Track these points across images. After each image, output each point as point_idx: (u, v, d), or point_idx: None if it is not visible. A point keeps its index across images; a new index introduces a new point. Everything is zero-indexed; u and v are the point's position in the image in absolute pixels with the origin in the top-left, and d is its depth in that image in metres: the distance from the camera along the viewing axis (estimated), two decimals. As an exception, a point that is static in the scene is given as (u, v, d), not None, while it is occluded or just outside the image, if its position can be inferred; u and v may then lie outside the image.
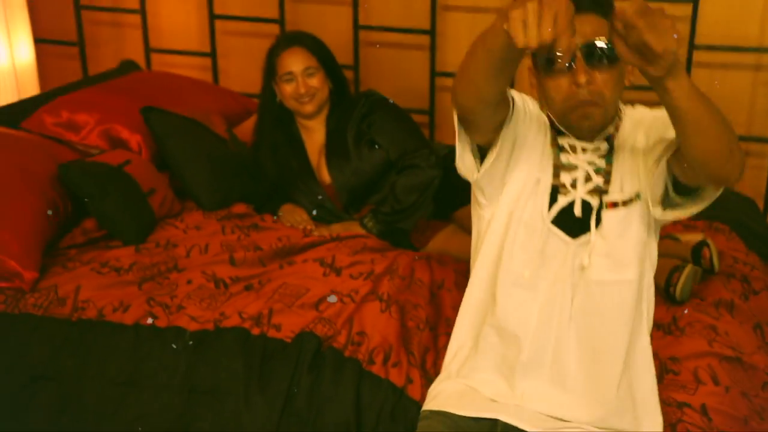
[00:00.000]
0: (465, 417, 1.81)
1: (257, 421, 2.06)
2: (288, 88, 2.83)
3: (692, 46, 3.39)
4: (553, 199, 1.79)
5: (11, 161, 2.57)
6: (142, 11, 3.91)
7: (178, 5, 4.00)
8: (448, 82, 3.55)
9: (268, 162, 2.92)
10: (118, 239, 2.64)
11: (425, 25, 3.63)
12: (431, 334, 2.24)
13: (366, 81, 3.77)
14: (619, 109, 1.83)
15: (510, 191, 1.82)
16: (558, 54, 1.38)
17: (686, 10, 3.36)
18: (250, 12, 3.85)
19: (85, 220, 2.70)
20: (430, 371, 2.10)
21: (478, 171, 1.78)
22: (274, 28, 3.76)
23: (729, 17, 3.41)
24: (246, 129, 3.22)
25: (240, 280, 2.43)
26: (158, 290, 2.37)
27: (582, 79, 1.66)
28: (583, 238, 1.78)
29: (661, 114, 1.70)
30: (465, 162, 1.79)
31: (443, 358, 2.01)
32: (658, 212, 1.72)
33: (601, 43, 1.65)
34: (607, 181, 1.78)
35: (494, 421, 1.80)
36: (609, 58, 1.66)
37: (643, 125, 1.79)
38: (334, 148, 2.84)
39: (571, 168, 1.79)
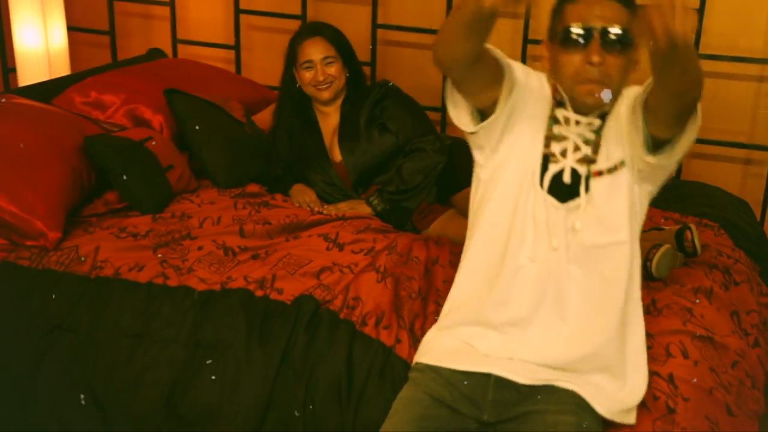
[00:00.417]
0: (457, 372, 1.94)
1: (256, 374, 2.20)
2: (307, 75, 3.01)
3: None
4: (544, 168, 1.95)
5: (41, 131, 2.75)
6: (172, 3, 4.10)
7: (207, -1, 4.19)
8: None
9: (284, 143, 3.10)
10: (136, 210, 2.81)
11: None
12: (422, 303, 2.38)
13: (383, 78, 3.92)
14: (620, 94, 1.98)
15: (505, 157, 1.98)
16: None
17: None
18: (275, 8, 4.03)
19: (107, 192, 2.88)
20: (417, 333, 2.25)
21: (475, 126, 1.94)
22: (297, 24, 3.91)
23: (735, 30, 3.54)
24: (263, 117, 3.39)
25: (248, 250, 2.59)
26: (171, 254, 2.53)
27: (596, 59, 1.84)
28: (571, 204, 1.93)
29: (639, 87, 1.87)
30: (461, 119, 1.96)
31: (432, 323, 2.15)
32: (650, 159, 1.87)
33: (616, 30, 1.84)
34: (596, 151, 1.94)
35: (487, 375, 1.93)
36: (623, 44, 1.86)
37: (629, 96, 1.94)
38: (346, 130, 3.01)
39: (561, 138, 1.95)
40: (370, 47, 3.88)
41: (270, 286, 2.38)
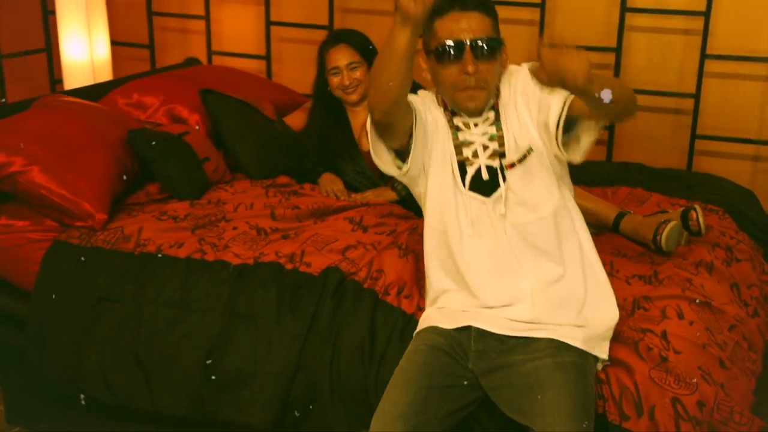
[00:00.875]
0: (448, 329, 2.16)
1: (286, 339, 2.40)
2: (335, 80, 3.23)
3: (704, 56, 3.69)
4: (462, 171, 2.17)
5: (88, 125, 2.99)
6: (207, 17, 4.36)
7: (239, 12, 4.44)
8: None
9: (315, 139, 3.32)
10: (175, 197, 3.03)
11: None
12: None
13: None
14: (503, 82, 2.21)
15: (432, 173, 2.20)
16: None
17: (699, 23, 3.68)
18: (303, 20, 4.27)
19: (149, 184, 3.10)
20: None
21: (400, 168, 2.18)
22: (324, 35, 4.15)
23: (741, 31, 3.70)
24: (293, 119, 3.60)
25: (279, 231, 2.79)
26: (208, 234, 2.75)
27: (470, 68, 2.07)
28: (495, 195, 2.16)
29: (528, 72, 2.11)
30: (389, 168, 2.21)
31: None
32: (560, 154, 2.10)
33: (484, 39, 2.08)
34: (502, 144, 2.16)
35: (468, 328, 2.14)
36: (492, 50, 2.10)
37: (518, 85, 2.16)
38: None
39: (468, 143, 2.18)
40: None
41: (299, 260, 2.57)
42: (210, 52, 4.43)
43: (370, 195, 3.12)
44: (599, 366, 2.12)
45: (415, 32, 1.89)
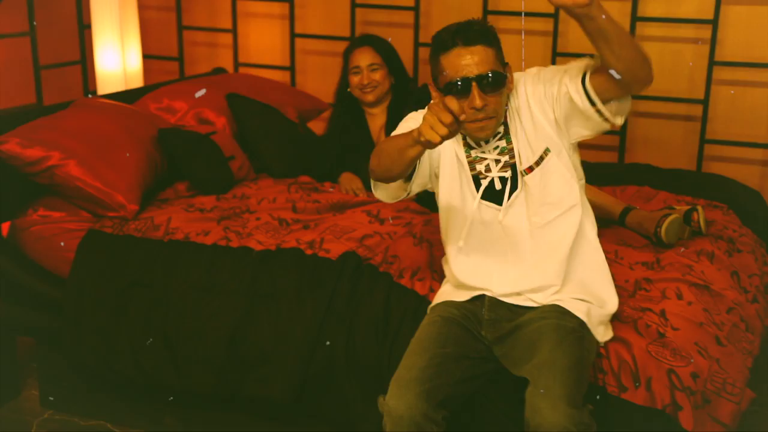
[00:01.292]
0: (462, 301, 2.30)
1: (306, 318, 2.54)
2: (354, 79, 3.39)
3: (712, 63, 3.81)
4: (477, 184, 2.26)
5: (121, 123, 3.17)
6: (234, 31, 4.55)
7: (265, 25, 4.62)
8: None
9: (335, 139, 3.47)
10: (202, 192, 3.20)
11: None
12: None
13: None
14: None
15: (442, 183, 2.31)
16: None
17: (707, 31, 3.81)
18: (326, 32, 4.44)
19: (177, 183, 3.27)
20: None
21: (405, 190, 2.30)
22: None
23: (748, 40, 3.82)
24: (315, 125, 3.78)
25: (300, 222, 2.95)
26: (233, 224, 2.91)
27: (479, 104, 2.11)
28: (507, 203, 2.25)
29: (532, 77, 2.20)
30: (396, 194, 2.33)
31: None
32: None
33: (489, 75, 2.11)
34: (513, 156, 2.24)
35: (482, 297, 2.28)
36: (497, 83, 2.12)
37: (526, 89, 2.22)
38: (391, 124, 3.38)
39: (481, 160, 2.26)
40: (413, 65, 4.26)
41: (319, 247, 2.72)
42: (237, 63, 4.61)
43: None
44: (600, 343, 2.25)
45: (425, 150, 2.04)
